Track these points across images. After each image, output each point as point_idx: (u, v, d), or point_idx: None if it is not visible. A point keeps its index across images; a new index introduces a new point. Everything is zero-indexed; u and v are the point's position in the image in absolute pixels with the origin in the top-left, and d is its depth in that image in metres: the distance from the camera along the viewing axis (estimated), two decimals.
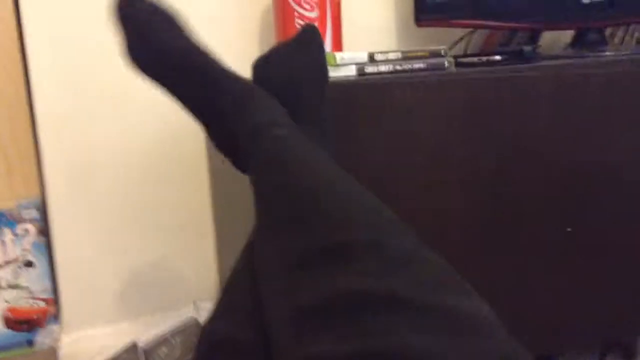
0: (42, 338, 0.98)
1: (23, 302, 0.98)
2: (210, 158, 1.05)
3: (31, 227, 0.98)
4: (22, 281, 0.98)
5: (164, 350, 0.97)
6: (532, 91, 0.75)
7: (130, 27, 0.64)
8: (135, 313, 1.07)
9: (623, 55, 0.83)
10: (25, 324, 0.97)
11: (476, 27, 1.01)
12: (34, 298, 0.98)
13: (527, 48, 0.84)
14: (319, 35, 0.70)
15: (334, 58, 0.78)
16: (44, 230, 1.00)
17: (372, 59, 0.79)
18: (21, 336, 0.98)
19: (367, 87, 0.74)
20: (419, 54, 0.80)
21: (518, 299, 0.80)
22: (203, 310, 1.05)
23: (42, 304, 0.99)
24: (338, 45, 0.93)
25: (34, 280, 0.98)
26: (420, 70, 0.80)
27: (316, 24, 0.89)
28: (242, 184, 0.63)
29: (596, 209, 0.78)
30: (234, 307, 0.55)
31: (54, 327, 1.00)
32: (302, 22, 0.89)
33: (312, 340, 0.38)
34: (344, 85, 0.74)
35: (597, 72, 0.75)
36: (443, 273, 0.42)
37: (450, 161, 0.76)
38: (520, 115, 0.75)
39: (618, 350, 0.92)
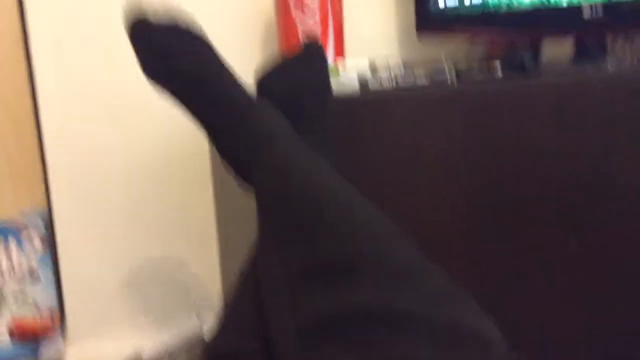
0: (47, 350, 0.99)
1: (28, 314, 0.98)
2: (214, 168, 1.06)
3: (36, 238, 0.98)
4: (28, 294, 0.98)
5: None
6: (533, 104, 0.75)
7: (144, 46, 0.65)
8: (140, 324, 1.07)
9: (624, 66, 0.83)
10: (30, 336, 0.98)
11: (477, 37, 1.01)
12: (39, 310, 0.99)
13: (529, 61, 0.85)
14: (323, 49, 0.71)
15: (337, 70, 0.79)
16: (49, 242, 1.00)
17: (374, 72, 0.80)
18: (26, 348, 0.98)
19: (369, 101, 0.74)
20: (422, 68, 0.81)
21: (520, 311, 0.80)
22: (206, 320, 1.06)
23: (47, 316, 0.99)
24: (340, 54, 0.93)
25: (39, 292, 0.99)
26: (422, 84, 0.81)
27: (318, 33, 0.90)
28: (245, 194, 0.64)
29: (598, 221, 0.78)
30: (238, 319, 0.55)
31: (58, 339, 1.00)
32: (304, 33, 0.90)
33: (316, 353, 0.38)
34: (347, 99, 0.74)
35: (599, 84, 0.76)
36: (445, 286, 0.43)
37: (452, 174, 0.76)
38: (521, 128, 0.76)
39: None
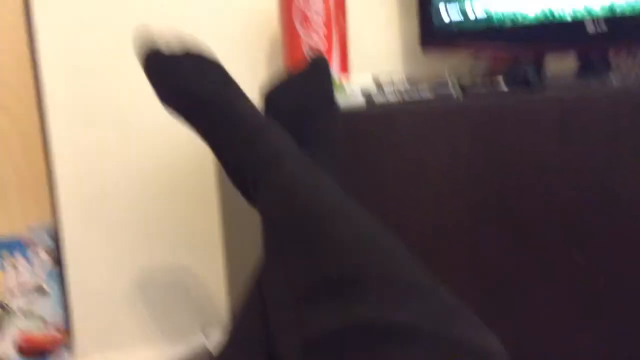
0: None
1: (35, 329, 0.98)
2: (220, 182, 1.06)
3: (44, 254, 0.99)
4: (36, 309, 0.98)
5: None
6: (538, 119, 0.76)
7: (156, 75, 0.67)
8: (147, 339, 1.07)
9: (628, 81, 0.84)
10: (38, 351, 0.98)
11: (481, 52, 1.02)
12: (46, 325, 0.99)
13: (533, 75, 0.85)
14: (328, 65, 0.72)
15: (342, 85, 0.79)
16: (57, 257, 1.00)
17: (379, 87, 0.80)
18: None
19: (373, 115, 0.75)
20: (426, 83, 0.82)
21: (524, 325, 0.79)
22: (213, 335, 1.06)
23: (54, 331, 0.99)
24: (345, 69, 0.94)
25: (47, 307, 0.99)
26: (427, 99, 0.81)
27: (323, 49, 0.91)
28: (253, 213, 0.64)
29: (602, 234, 0.78)
30: (245, 334, 0.55)
31: (66, 355, 1.00)
32: (309, 49, 0.90)
33: None
34: (351, 113, 0.75)
35: (603, 98, 0.76)
36: (449, 301, 0.43)
37: (456, 188, 0.76)
38: (525, 142, 0.76)
39: None
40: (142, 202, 1.05)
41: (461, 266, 0.78)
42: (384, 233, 0.50)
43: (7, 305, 0.97)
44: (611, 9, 0.85)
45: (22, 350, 0.97)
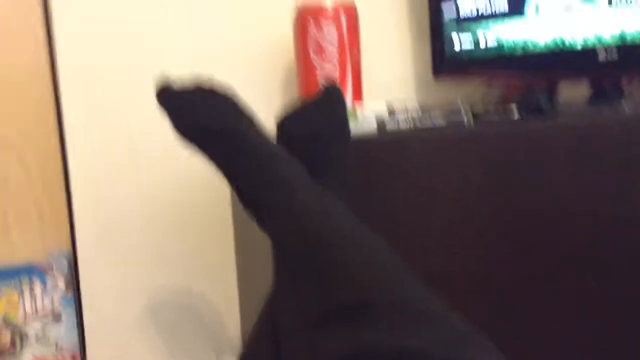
0: None
1: (50, 355, 0.99)
2: (235, 212, 1.07)
3: (60, 279, 1.00)
4: (50, 334, 0.99)
5: None
6: (550, 146, 0.76)
7: (171, 109, 0.69)
8: None
9: None
10: None
11: (493, 80, 1.03)
12: (60, 351, 0.99)
13: (545, 103, 0.85)
14: (341, 93, 0.73)
15: (355, 113, 0.80)
16: (73, 284, 1.01)
17: (392, 114, 0.81)
18: None
19: (386, 143, 0.75)
20: (439, 110, 0.82)
21: (537, 353, 0.78)
22: None
23: (68, 357, 1.00)
24: (358, 97, 0.95)
25: (61, 332, 0.99)
26: (439, 126, 0.82)
27: (337, 78, 0.92)
28: (266, 242, 0.65)
29: (617, 263, 0.77)
30: None
31: None
32: (323, 78, 0.92)
33: None
34: (365, 142, 0.76)
35: (616, 126, 0.76)
36: (460, 327, 0.43)
37: (469, 216, 0.76)
38: (538, 170, 0.76)
39: None
40: (156, 230, 1.06)
41: (473, 294, 0.77)
42: (395, 259, 0.50)
43: (23, 330, 0.98)
44: (622, 37, 0.86)
45: None
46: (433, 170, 0.75)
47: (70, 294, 1.00)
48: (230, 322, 1.10)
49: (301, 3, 0.92)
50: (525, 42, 0.91)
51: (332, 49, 0.91)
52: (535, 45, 0.90)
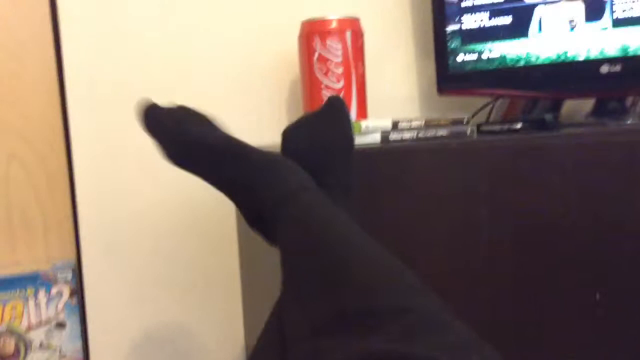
0: None
1: None
2: (239, 223, 1.07)
3: (65, 289, 1.00)
4: (54, 342, 0.99)
5: None
6: (554, 159, 0.76)
7: (157, 130, 0.70)
8: None
9: None
10: None
11: (497, 96, 1.03)
12: (64, 359, 0.99)
13: (549, 116, 0.86)
14: (345, 105, 0.73)
15: (359, 126, 0.81)
16: (77, 292, 1.02)
17: (395, 126, 0.82)
18: None
19: (390, 154, 0.76)
20: (442, 122, 0.83)
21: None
22: None
23: None
24: (363, 114, 0.95)
25: (65, 341, 0.99)
26: (442, 137, 0.82)
27: (342, 94, 0.92)
28: (269, 248, 0.65)
29: (622, 275, 0.77)
30: None
31: None
32: (328, 93, 0.92)
33: None
34: (368, 152, 0.76)
35: (619, 139, 0.76)
36: (467, 336, 0.42)
37: (473, 226, 0.76)
38: (541, 182, 0.76)
39: None
40: (160, 240, 1.06)
41: (477, 305, 0.77)
42: (399, 267, 0.50)
43: (27, 339, 0.97)
44: (624, 50, 0.86)
45: None
46: (436, 181, 0.76)
47: (74, 303, 1.01)
48: (235, 332, 1.10)
49: (306, 19, 0.94)
50: (528, 58, 0.91)
51: (336, 65, 0.92)
52: (538, 60, 0.91)
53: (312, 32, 0.92)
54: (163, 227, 1.06)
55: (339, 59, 0.92)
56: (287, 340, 0.52)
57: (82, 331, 1.01)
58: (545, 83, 0.92)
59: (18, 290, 0.97)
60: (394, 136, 0.81)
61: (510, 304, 0.77)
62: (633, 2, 0.86)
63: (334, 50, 0.91)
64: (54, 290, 0.99)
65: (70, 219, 1.04)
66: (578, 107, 0.98)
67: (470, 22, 0.94)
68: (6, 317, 0.97)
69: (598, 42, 0.88)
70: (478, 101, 1.10)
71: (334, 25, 0.91)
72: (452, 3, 0.95)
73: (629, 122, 0.86)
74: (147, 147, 1.04)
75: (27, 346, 0.97)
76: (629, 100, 0.93)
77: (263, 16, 1.09)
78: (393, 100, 1.14)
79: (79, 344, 1.00)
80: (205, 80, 1.07)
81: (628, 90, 0.91)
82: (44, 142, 1.02)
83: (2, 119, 1.00)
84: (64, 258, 1.03)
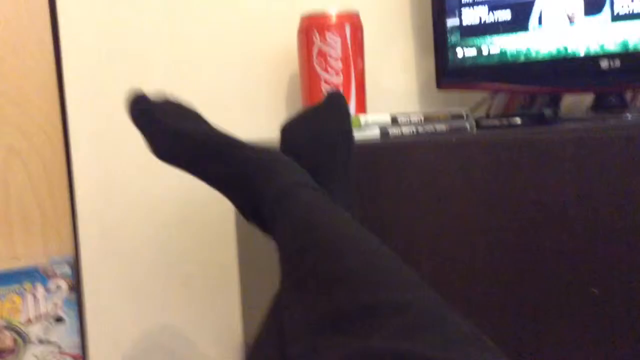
0: None
1: (51, 358, 0.99)
2: (238, 220, 1.07)
3: (63, 283, 1.00)
4: (52, 336, 0.99)
5: None
6: (553, 153, 0.76)
7: (146, 125, 0.69)
8: None
9: None
10: None
11: (497, 90, 1.03)
12: (62, 353, 0.99)
13: (548, 111, 0.86)
14: (345, 100, 0.73)
15: (359, 121, 0.80)
16: (75, 287, 1.02)
17: (394, 121, 0.81)
18: None
19: (389, 148, 0.76)
20: (441, 116, 0.83)
21: (540, 358, 0.78)
22: None
23: (70, 359, 1.00)
24: (362, 109, 0.95)
25: (64, 335, 0.99)
26: (441, 132, 0.82)
27: (341, 89, 0.92)
28: (267, 246, 0.65)
29: (620, 270, 0.77)
30: None
31: None
32: (327, 88, 0.92)
33: None
34: (367, 146, 0.76)
35: (619, 134, 0.76)
36: (467, 332, 0.42)
37: (473, 221, 0.76)
38: (541, 177, 0.76)
39: None
40: (159, 235, 1.06)
41: (477, 299, 0.77)
42: (398, 263, 0.50)
43: (25, 333, 0.98)
44: (624, 45, 0.86)
45: None
46: (436, 176, 0.76)
47: (72, 298, 1.01)
48: (233, 328, 1.10)
49: (305, 13, 0.93)
50: (528, 52, 0.91)
51: (336, 59, 0.92)
52: (538, 55, 0.91)
53: (312, 27, 0.92)
54: (161, 222, 1.06)
55: (338, 54, 0.92)
56: (286, 338, 0.52)
57: (80, 326, 1.02)
58: (545, 78, 0.92)
59: (16, 285, 0.97)
60: (393, 131, 0.81)
61: (510, 299, 0.77)
62: None
63: (333, 44, 0.91)
64: (52, 285, 0.99)
65: (69, 214, 1.04)
66: (578, 102, 0.98)
67: (469, 16, 0.94)
68: (4, 312, 0.97)
69: (598, 37, 0.88)
70: (477, 96, 1.10)
71: (333, 19, 0.91)
72: None
73: (628, 117, 0.86)
74: (145, 144, 1.05)
75: (25, 341, 0.97)
76: (629, 95, 0.93)
77: (262, 10, 1.09)
78: (392, 94, 1.14)
79: (77, 339, 1.01)
80: (204, 75, 1.07)
81: (628, 85, 0.91)
82: (43, 136, 1.02)
83: (1, 114, 1.00)
84: (63, 253, 1.03)
